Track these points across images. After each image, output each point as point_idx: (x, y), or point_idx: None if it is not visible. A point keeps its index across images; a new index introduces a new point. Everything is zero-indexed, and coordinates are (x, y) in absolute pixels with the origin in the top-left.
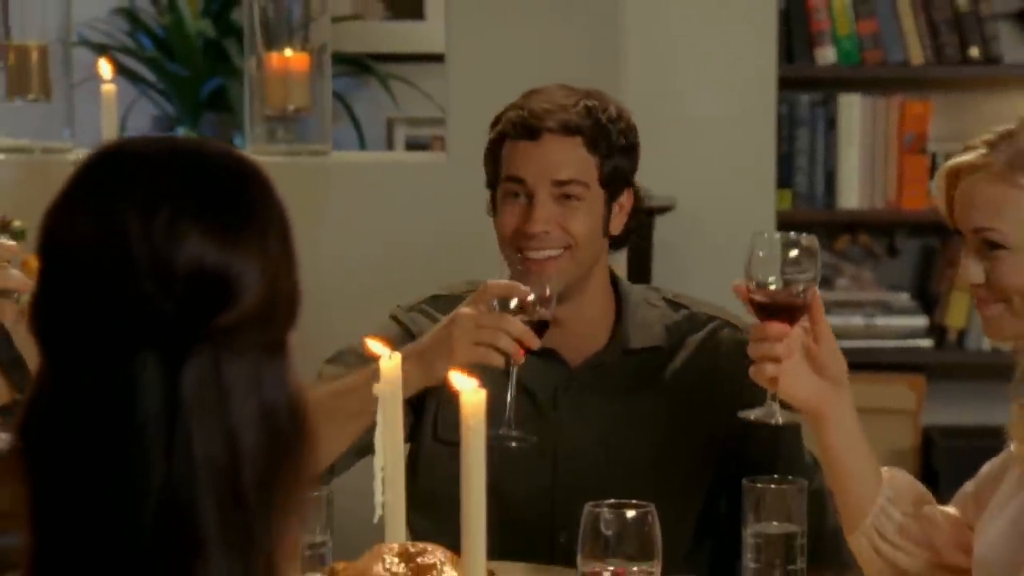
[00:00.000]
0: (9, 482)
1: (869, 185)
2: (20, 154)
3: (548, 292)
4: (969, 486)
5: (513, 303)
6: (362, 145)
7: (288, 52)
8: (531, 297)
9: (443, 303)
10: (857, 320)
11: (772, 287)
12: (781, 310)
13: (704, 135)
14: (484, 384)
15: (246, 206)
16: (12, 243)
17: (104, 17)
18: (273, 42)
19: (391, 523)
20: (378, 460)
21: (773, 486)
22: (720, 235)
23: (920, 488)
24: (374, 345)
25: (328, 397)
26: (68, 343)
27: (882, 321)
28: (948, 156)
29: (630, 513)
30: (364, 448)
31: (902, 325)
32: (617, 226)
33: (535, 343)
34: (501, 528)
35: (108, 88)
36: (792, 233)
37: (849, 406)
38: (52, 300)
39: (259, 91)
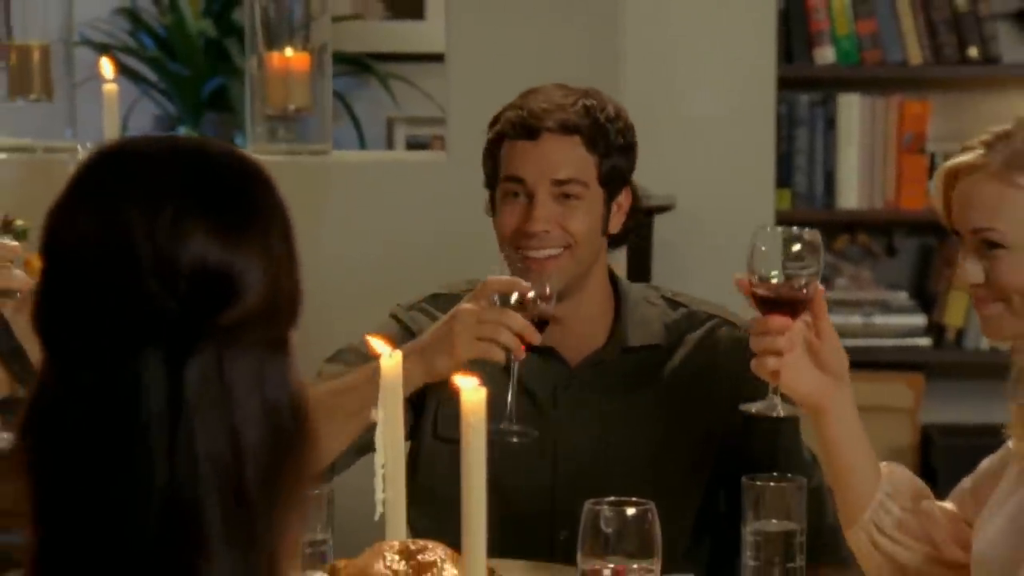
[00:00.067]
0: (11, 481)
1: (868, 185)
2: (22, 154)
3: (548, 290)
4: (967, 482)
5: (514, 297)
6: (362, 144)
7: (289, 52)
8: (531, 294)
9: (443, 302)
10: (856, 319)
11: (774, 281)
12: (783, 304)
13: (704, 135)
14: (484, 383)
15: (249, 205)
16: (15, 243)
17: (106, 17)
18: (274, 42)
19: (392, 521)
20: (379, 458)
21: (772, 484)
22: (720, 234)
23: (919, 483)
24: (375, 343)
25: (328, 395)
26: (71, 342)
27: (881, 320)
28: (947, 156)
29: (630, 511)
30: (365, 446)
31: (901, 324)
32: (616, 225)
33: (536, 338)
34: (501, 526)
35: (110, 88)
36: (795, 228)
37: (850, 401)
38: (55, 299)
39: (260, 91)
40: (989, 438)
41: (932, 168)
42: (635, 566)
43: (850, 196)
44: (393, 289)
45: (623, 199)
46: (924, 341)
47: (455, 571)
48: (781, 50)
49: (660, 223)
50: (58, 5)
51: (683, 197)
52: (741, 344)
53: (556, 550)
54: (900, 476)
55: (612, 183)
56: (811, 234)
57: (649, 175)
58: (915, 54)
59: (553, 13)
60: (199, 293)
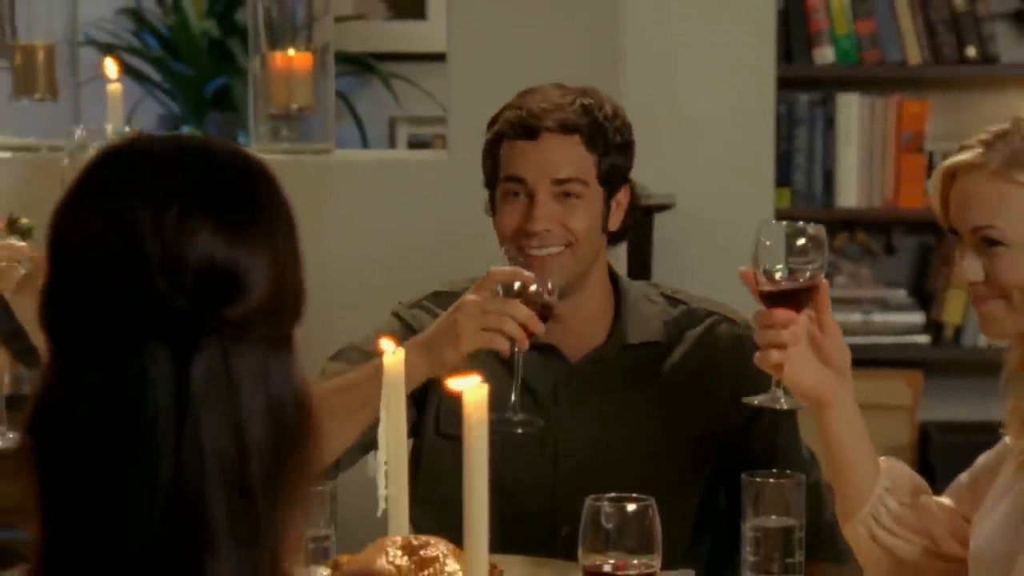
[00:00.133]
0: (17, 478)
1: (867, 184)
2: (27, 153)
3: (551, 286)
4: (964, 477)
5: (516, 286)
6: (364, 143)
7: (292, 52)
8: (534, 287)
9: (444, 299)
10: (855, 317)
11: (779, 275)
12: (787, 298)
13: (703, 134)
14: (486, 379)
15: (254, 203)
16: (23, 244)
17: (110, 17)
18: (277, 42)
19: (394, 517)
20: (381, 454)
21: (772, 480)
22: (719, 233)
23: (917, 479)
24: (380, 340)
25: (331, 393)
26: (77, 339)
27: (880, 318)
28: (945, 155)
29: (630, 507)
30: (369, 444)
31: (899, 321)
32: (615, 222)
33: (540, 328)
34: (503, 522)
35: (114, 87)
36: (800, 222)
37: (851, 397)
38: (62, 297)
39: (263, 90)
40: (987, 435)
41: (931, 167)
42: (635, 561)
43: (849, 195)
44: (395, 287)
45: (622, 196)
46: (923, 339)
47: (457, 567)
48: (781, 50)
49: (660, 222)
50: (63, 5)
51: (683, 196)
52: (741, 341)
53: (557, 546)
54: (899, 471)
55: (611, 181)
56: (815, 229)
57: (649, 174)
58: (914, 54)
59: (554, 13)
60: (206, 289)
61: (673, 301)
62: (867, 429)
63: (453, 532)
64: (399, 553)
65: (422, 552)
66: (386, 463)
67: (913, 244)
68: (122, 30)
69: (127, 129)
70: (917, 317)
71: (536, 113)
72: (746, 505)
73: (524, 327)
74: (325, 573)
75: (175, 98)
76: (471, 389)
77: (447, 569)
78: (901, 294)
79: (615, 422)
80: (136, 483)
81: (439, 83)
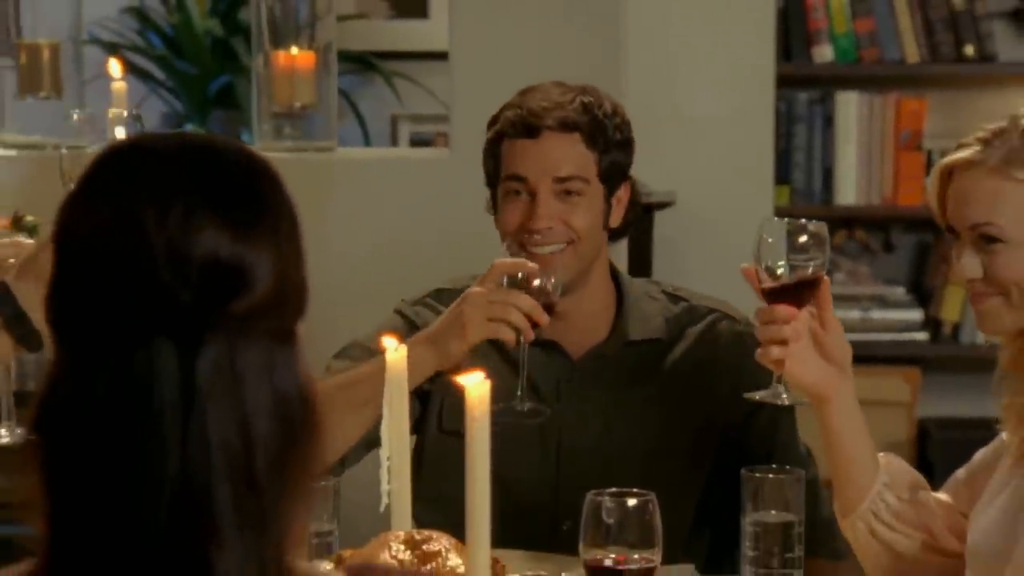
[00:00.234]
0: (23, 473)
1: (866, 181)
2: (32, 151)
3: (553, 283)
4: (961, 473)
5: (520, 275)
6: (367, 142)
7: (294, 50)
8: (537, 281)
9: (447, 296)
10: (854, 314)
11: (780, 272)
12: (789, 294)
13: (703, 132)
14: (488, 375)
15: (257, 200)
16: (30, 241)
17: (114, 16)
18: (280, 40)
19: (397, 512)
20: (384, 450)
21: (771, 476)
22: (719, 230)
23: (915, 474)
24: (384, 338)
25: (336, 389)
26: (83, 333)
27: (878, 315)
28: (943, 153)
29: (631, 502)
30: (374, 440)
31: (898, 319)
32: (616, 219)
33: (544, 318)
34: (505, 517)
35: (118, 86)
36: (802, 219)
37: (852, 393)
38: (67, 292)
39: (266, 88)
40: (985, 431)
41: (929, 165)
42: (636, 556)
43: (848, 192)
44: (397, 284)
45: (622, 193)
46: (921, 335)
47: (459, 561)
48: (780, 48)
49: (661, 219)
50: (67, 4)
51: (683, 194)
52: (741, 338)
53: (559, 541)
54: (897, 467)
55: (612, 178)
56: (817, 226)
57: (650, 172)
58: (912, 52)
59: (555, 12)
60: (211, 284)
61: (674, 298)
62: (866, 425)
63: (455, 529)
64: (402, 548)
65: (425, 547)
66: (389, 459)
67: (911, 241)
68: (126, 29)
69: (133, 111)
70: (915, 314)
71: (536, 112)
72: (745, 500)
73: (529, 318)
74: (328, 568)
75: (179, 96)
76: (474, 384)
77: (449, 563)
78: (899, 291)
79: (616, 418)
80: (142, 476)
81: (441, 81)
